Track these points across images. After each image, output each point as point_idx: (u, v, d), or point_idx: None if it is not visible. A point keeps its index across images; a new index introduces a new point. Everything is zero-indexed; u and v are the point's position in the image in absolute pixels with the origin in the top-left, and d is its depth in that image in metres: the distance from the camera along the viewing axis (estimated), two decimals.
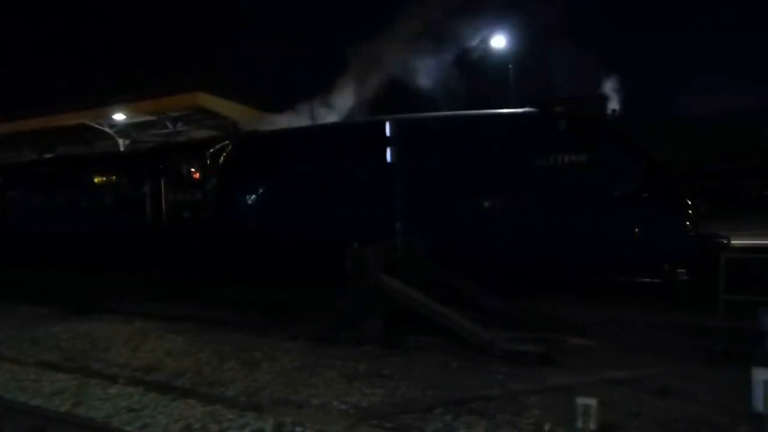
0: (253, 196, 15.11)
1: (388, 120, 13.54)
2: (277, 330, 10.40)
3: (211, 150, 15.67)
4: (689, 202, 11.40)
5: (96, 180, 18.04)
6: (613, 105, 12.91)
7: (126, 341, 10.20)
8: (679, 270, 10.62)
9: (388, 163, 12.78)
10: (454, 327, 8.91)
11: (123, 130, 28.76)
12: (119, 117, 27.05)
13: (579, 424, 5.59)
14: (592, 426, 5.54)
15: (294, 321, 10.70)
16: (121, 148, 28.01)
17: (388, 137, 12.93)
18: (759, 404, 5.37)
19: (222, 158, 15.51)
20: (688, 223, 11.08)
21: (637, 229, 10.94)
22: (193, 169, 15.91)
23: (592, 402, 5.60)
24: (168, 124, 27.62)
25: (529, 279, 11.11)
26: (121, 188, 17.30)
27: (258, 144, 16.15)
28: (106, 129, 28.36)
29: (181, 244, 15.52)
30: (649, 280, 10.92)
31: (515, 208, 11.59)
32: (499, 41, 22.44)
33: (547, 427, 6.12)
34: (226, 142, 16.05)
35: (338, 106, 18.08)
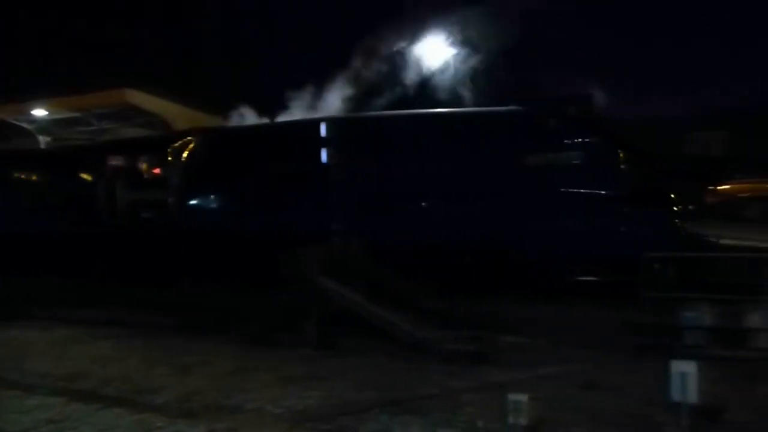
0: (220, 196, 14.39)
1: (329, 119, 13.55)
2: (212, 333, 10.17)
3: (173, 146, 14.79)
4: (678, 201, 11.63)
5: (40, 177, 16.89)
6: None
7: (48, 349, 9.72)
8: None
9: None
10: (391, 328, 8.96)
11: (44, 127, 27.35)
12: (40, 113, 25.73)
13: (511, 419, 5.71)
14: (523, 421, 5.67)
15: (231, 324, 10.49)
16: (42, 146, 26.60)
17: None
18: (676, 394, 5.65)
19: (185, 155, 14.62)
20: (677, 221, 11.35)
21: (626, 228, 11.13)
22: (152, 166, 14.98)
23: (523, 398, 5.74)
24: (93, 121, 26.50)
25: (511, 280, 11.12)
26: (70, 185, 16.12)
27: (226, 140, 15.37)
28: (25, 125, 26.92)
29: (138, 245, 14.49)
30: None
31: (498, 207, 11.66)
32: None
33: (480, 423, 6.23)
34: (189, 137, 15.11)
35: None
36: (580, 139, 11.71)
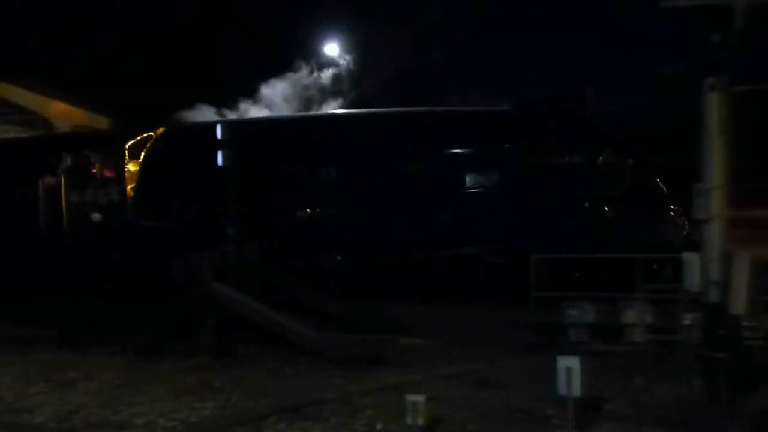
0: (185, 198, 13.35)
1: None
2: (98, 345, 9.56)
3: (131, 143, 13.62)
4: (674, 198, 12.09)
5: None
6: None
7: None
8: None
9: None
10: (288, 333, 8.83)
11: None
12: None
13: (409, 420, 5.80)
14: (421, 421, 5.77)
15: (120, 334, 9.91)
16: None
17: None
18: (562, 388, 5.97)
19: (145, 153, 13.49)
20: (675, 217, 11.85)
21: (627, 227, 11.54)
22: (105, 165, 13.60)
23: (421, 398, 5.84)
24: None
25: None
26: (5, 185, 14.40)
27: (191, 137, 14.22)
28: None
29: (87, 253, 13.29)
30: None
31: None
32: (332, 49, 22.70)
33: (379, 426, 6.27)
34: (149, 134, 14.02)
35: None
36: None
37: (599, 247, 10.36)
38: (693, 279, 6.17)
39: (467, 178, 12.41)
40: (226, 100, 16.22)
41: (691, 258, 6.17)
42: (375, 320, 10.35)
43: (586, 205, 11.92)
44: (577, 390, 5.94)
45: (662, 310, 8.79)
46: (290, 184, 12.86)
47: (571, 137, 12.15)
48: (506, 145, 12.44)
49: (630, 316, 8.93)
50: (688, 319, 7.99)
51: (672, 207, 12.41)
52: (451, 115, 13.75)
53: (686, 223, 12.03)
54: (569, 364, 5.95)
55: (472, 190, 12.39)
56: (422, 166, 12.57)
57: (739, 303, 5.93)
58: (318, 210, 12.66)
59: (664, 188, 12.56)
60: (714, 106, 5.93)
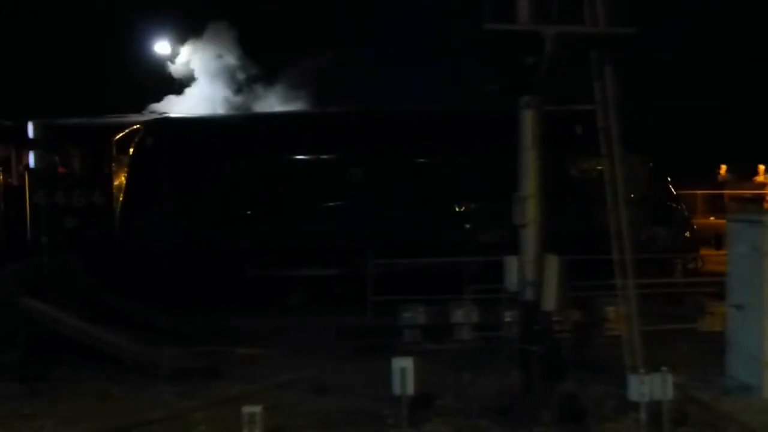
0: (186, 201, 11.84)
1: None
2: None
3: (118, 136, 11.78)
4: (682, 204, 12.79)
5: None
6: None
7: None
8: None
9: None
10: (112, 349, 8.20)
11: None
12: None
13: None
14: None
15: None
16: None
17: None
18: (397, 388, 6.20)
19: (134, 148, 11.71)
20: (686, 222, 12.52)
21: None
22: (85, 162, 11.99)
23: (257, 409, 5.75)
24: None
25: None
26: None
27: (189, 132, 12.75)
28: None
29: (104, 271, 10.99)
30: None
31: None
32: (163, 47, 21.62)
33: None
34: (137, 126, 12.14)
35: None
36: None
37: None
38: (512, 279, 6.72)
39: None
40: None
41: (509, 260, 6.72)
42: (210, 332, 9.97)
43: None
44: (410, 389, 6.21)
45: (487, 309, 9.47)
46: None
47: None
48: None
49: (458, 315, 9.53)
50: (508, 317, 8.72)
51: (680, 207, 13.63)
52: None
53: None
54: (403, 365, 6.20)
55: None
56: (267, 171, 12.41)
57: (549, 300, 6.56)
58: (151, 216, 11.89)
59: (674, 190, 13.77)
60: (527, 123, 6.54)
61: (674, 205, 13.33)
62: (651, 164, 13.19)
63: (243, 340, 9.60)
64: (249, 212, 12.14)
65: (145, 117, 13.51)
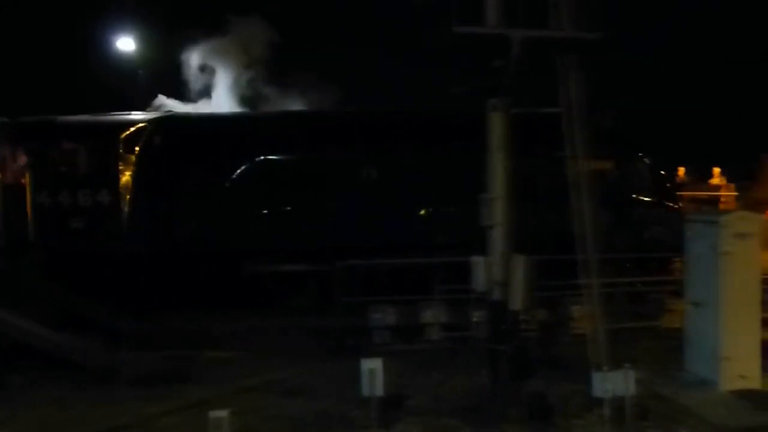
0: (201, 204, 11.60)
1: None
2: None
3: (125, 134, 11.38)
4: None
5: None
6: None
7: None
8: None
9: None
10: (74, 355, 7.99)
11: None
12: None
13: None
14: None
15: None
16: None
17: None
18: (366, 389, 6.22)
19: (141, 148, 11.36)
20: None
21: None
22: (90, 162, 11.37)
23: (224, 413, 5.68)
24: None
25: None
26: None
27: (201, 131, 12.33)
28: None
29: (65, 274, 10.67)
30: None
31: None
32: (126, 43, 21.23)
33: None
34: (143, 124, 11.69)
35: None
36: None
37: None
38: (479, 280, 6.80)
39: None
40: None
41: (477, 261, 6.79)
42: (177, 335, 9.81)
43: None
44: (380, 390, 6.23)
45: (456, 309, 9.55)
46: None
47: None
48: None
49: (428, 316, 9.58)
50: (476, 317, 8.81)
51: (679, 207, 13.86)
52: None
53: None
54: (372, 366, 6.22)
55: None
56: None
57: (517, 300, 6.66)
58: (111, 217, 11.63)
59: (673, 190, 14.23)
60: (495, 125, 6.63)
61: (674, 205, 13.72)
62: (651, 165, 13.53)
63: (212, 343, 9.47)
64: (221, 213, 11.99)
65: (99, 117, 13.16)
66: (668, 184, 14.19)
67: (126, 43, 21.29)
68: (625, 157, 13.23)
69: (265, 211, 12.02)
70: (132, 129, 11.78)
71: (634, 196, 13.14)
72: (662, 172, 13.99)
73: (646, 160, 13.36)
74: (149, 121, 12.03)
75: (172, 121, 12.65)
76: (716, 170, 22.00)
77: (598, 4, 6.42)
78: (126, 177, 11.60)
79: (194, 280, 11.49)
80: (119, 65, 21.62)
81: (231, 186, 11.99)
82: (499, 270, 6.63)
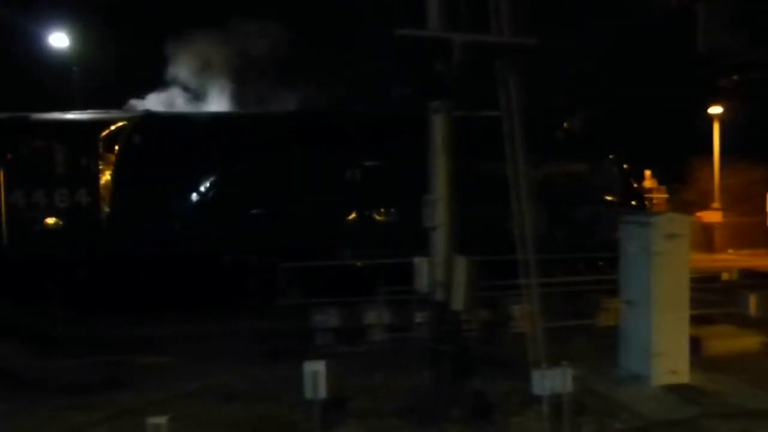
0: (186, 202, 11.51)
1: None
2: None
3: (104, 133, 11.30)
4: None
5: None
6: None
7: None
8: None
9: None
10: (2, 363, 7.62)
11: None
12: None
13: None
14: None
15: None
16: None
17: None
18: (309, 392, 6.16)
19: (121, 147, 11.26)
20: None
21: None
22: (69, 161, 11.23)
23: (162, 420, 5.52)
24: None
25: None
26: None
27: (183, 131, 12.18)
28: None
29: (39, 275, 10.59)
30: None
31: None
32: (60, 39, 20.39)
33: None
34: (124, 123, 11.59)
35: None
36: None
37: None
38: (422, 280, 6.85)
39: None
40: None
41: (420, 262, 6.84)
42: (112, 340, 9.49)
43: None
44: (322, 392, 6.18)
45: (399, 310, 9.59)
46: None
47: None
48: None
49: (370, 317, 9.59)
50: (419, 317, 8.88)
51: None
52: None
53: None
54: (315, 369, 6.17)
55: None
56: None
57: (459, 300, 6.73)
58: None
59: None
60: (438, 127, 6.69)
61: (642, 204, 14.46)
62: (620, 167, 14.25)
63: (147, 348, 9.20)
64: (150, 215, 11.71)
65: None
66: (636, 186, 15.04)
67: (59, 39, 20.44)
68: (597, 160, 13.92)
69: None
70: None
71: (606, 196, 13.83)
72: (631, 175, 14.79)
73: (613, 162, 14.04)
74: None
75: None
76: (647, 172, 22.91)
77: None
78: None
79: (136, 283, 11.28)
80: (51, 62, 20.74)
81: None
82: (441, 271, 6.69)
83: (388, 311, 9.64)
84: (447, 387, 6.66)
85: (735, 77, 10.90)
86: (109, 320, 10.14)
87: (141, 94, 15.84)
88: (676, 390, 7.29)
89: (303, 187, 11.93)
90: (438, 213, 6.69)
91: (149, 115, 12.87)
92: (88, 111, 12.96)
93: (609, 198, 13.73)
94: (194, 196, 11.99)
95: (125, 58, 23.19)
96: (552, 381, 6.21)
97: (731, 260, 20.86)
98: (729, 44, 10.30)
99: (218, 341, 9.63)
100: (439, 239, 6.71)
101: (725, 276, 14.92)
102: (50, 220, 11.37)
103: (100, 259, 11.11)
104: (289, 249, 11.05)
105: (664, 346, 7.45)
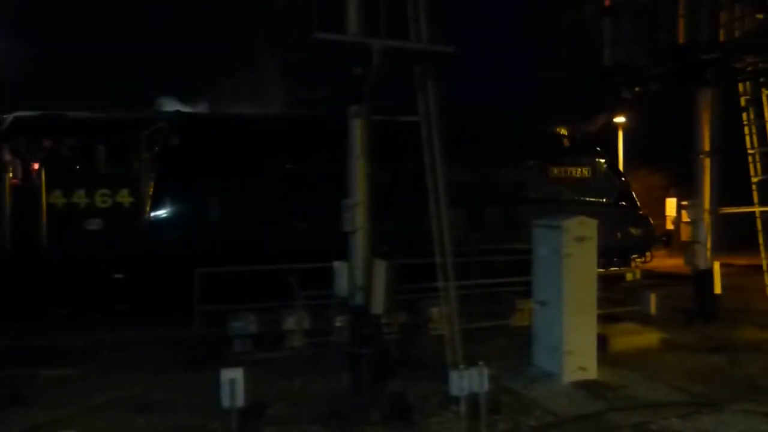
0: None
1: None
2: None
3: (146, 132, 11.06)
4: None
5: None
6: None
7: None
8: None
9: None
10: None
11: None
12: None
13: None
14: None
15: None
16: None
17: None
18: (226, 400, 6.02)
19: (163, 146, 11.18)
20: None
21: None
22: (109, 160, 11.08)
23: None
24: None
25: None
26: None
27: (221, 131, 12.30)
28: None
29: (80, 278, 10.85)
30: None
31: None
32: None
33: None
34: (162, 123, 11.44)
35: None
36: None
37: None
38: (342, 285, 6.85)
39: None
40: None
41: (339, 266, 6.84)
42: (13, 351, 8.92)
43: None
44: (240, 400, 6.06)
45: (318, 315, 9.53)
46: None
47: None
48: None
49: (290, 322, 9.48)
50: (339, 322, 8.86)
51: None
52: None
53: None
54: (232, 376, 6.04)
55: None
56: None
57: (378, 304, 6.79)
58: None
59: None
60: (356, 131, 6.73)
61: (639, 210, 15.70)
62: (619, 174, 15.67)
63: (51, 359, 8.70)
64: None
65: None
66: (631, 190, 16.07)
67: None
68: (595, 165, 14.94)
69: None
70: None
71: (604, 199, 14.90)
72: (626, 179, 16.12)
73: (612, 170, 15.33)
74: None
75: None
76: None
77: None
78: None
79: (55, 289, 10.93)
80: None
81: None
82: (360, 275, 6.72)
83: (308, 316, 9.56)
84: (367, 390, 6.70)
85: (637, 89, 11.59)
86: (15, 330, 9.54)
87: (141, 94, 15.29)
88: (585, 386, 7.65)
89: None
90: (356, 217, 6.72)
91: (181, 115, 12.83)
92: (121, 110, 12.81)
93: (607, 200, 15.03)
94: None
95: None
96: (469, 381, 6.36)
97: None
98: (632, 58, 10.97)
99: (133, 350, 9.25)
100: (358, 243, 6.74)
101: (629, 276, 15.83)
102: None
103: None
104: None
105: (574, 345, 7.79)
